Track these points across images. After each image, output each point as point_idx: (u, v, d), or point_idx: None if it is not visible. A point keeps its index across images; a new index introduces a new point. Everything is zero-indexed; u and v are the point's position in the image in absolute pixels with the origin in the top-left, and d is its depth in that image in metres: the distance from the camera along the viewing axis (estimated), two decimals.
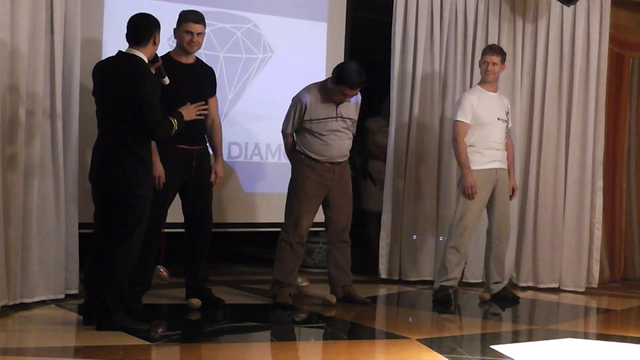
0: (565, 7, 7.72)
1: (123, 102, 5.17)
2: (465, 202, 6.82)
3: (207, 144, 6.22)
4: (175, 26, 6.02)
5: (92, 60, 6.18)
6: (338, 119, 6.34)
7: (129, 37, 5.28)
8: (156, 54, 5.38)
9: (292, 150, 6.45)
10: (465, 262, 7.32)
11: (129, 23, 5.31)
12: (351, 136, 6.51)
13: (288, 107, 6.38)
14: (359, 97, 6.45)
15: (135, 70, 5.20)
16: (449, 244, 6.88)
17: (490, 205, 6.95)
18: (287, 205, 6.43)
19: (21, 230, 5.75)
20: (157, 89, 5.26)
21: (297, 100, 6.32)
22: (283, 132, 6.43)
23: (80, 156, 6.19)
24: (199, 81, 6.06)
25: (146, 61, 5.27)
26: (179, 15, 6.01)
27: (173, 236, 6.68)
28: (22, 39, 5.70)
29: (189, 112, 5.51)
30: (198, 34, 5.98)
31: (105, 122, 5.31)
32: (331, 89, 6.26)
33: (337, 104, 6.31)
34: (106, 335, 5.10)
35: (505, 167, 6.98)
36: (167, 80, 5.40)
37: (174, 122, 5.31)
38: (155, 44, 5.30)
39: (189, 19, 5.97)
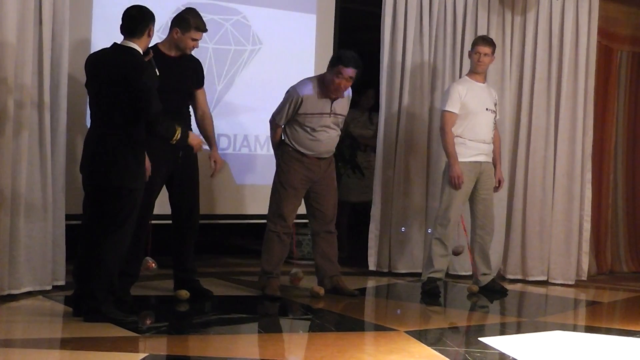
0: None
1: (119, 94, 5.15)
2: (450, 194, 6.82)
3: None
4: (172, 21, 5.95)
5: (81, 51, 6.17)
6: (331, 115, 6.33)
7: (124, 28, 5.26)
8: (148, 47, 5.37)
9: (278, 142, 6.44)
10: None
11: (124, 15, 5.29)
12: (339, 132, 6.51)
13: (282, 99, 6.33)
14: (349, 90, 6.42)
15: (132, 62, 5.17)
16: (434, 235, 6.89)
17: (472, 198, 6.95)
18: (272, 195, 6.42)
19: (9, 221, 5.74)
20: (155, 81, 5.24)
21: (293, 93, 6.27)
22: (273, 123, 6.39)
23: (68, 147, 6.17)
24: (184, 74, 6.02)
25: (142, 53, 5.26)
26: (188, 20, 5.89)
27: (160, 228, 6.66)
28: (10, 29, 5.68)
29: (195, 139, 5.61)
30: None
31: (99, 113, 5.28)
32: (327, 77, 6.23)
33: (333, 99, 6.29)
34: (94, 326, 5.09)
35: (490, 160, 6.98)
36: (157, 73, 5.35)
37: (179, 130, 5.31)
38: (150, 36, 5.29)
39: (201, 29, 5.94)
